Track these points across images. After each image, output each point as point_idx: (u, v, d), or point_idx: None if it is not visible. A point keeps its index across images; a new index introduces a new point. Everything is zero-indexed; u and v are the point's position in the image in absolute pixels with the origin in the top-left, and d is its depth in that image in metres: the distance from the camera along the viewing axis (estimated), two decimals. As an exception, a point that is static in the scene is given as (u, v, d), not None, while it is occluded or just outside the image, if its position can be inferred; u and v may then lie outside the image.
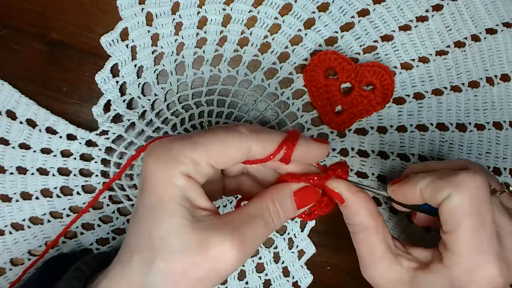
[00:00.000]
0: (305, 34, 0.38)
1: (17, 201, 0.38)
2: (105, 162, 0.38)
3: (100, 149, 0.38)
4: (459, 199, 0.26)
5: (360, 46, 0.38)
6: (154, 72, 0.37)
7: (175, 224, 0.23)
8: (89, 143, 0.38)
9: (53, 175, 0.38)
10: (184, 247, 0.22)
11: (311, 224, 0.39)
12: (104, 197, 0.38)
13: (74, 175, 0.38)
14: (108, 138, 0.37)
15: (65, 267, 0.27)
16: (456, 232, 0.26)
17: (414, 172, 0.31)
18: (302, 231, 0.39)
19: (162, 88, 0.38)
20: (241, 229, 0.24)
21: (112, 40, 0.37)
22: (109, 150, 0.38)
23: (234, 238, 0.23)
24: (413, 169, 0.32)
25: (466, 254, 0.26)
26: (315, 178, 0.28)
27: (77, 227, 0.38)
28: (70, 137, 0.37)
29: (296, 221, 0.39)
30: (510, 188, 0.29)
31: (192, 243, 0.23)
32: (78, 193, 0.38)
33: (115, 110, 0.37)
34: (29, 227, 0.38)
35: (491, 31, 0.38)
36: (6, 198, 0.38)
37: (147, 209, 0.23)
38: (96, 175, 0.38)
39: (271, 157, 0.26)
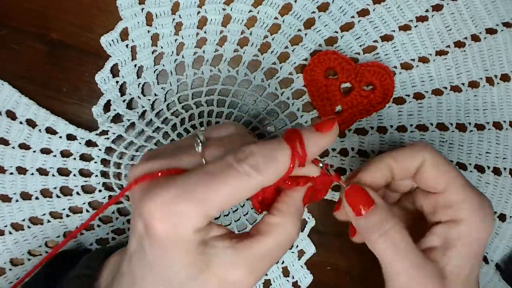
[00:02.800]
0: (305, 34, 0.38)
1: (16, 201, 0.38)
2: (105, 162, 0.38)
3: (100, 149, 0.38)
4: (436, 155, 0.28)
5: (360, 46, 0.38)
6: (154, 72, 0.37)
7: (193, 271, 0.23)
8: (89, 143, 0.37)
9: (53, 175, 0.38)
10: (204, 286, 0.23)
11: (311, 224, 0.39)
12: (104, 198, 0.38)
13: (74, 175, 0.38)
14: (108, 138, 0.37)
15: (67, 264, 0.27)
16: (454, 183, 0.27)
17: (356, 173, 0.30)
18: (302, 231, 0.39)
19: (162, 88, 0.38)
20: (258, 266, 0.23)
21: (112, 40, 0.37)
22: (109, 150, 0.38)
23: (250, 276, 0.23)
24: (353, 173, 0.31)
25: (475, 197, 0.27)
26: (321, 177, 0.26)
27: (76, 228, 0.38)
28: (70, 137, 0.37)
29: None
30: None
31: (211, 283, 0.23)
32: (77, 193, 0.38)
33: (115, 110, 0.37)
34: (29, 227, 0.38)
35: (491, 31, 0.38)
36: (6, 198, 0.38)
37: (161, 259, 0.23)
38: (96, 175, 0.38)
39: (287, 177, 0.24)
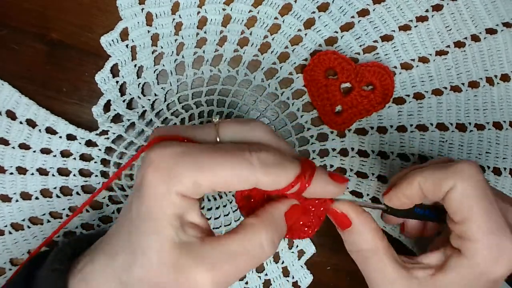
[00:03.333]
0: (305, 34, 0.38)
1: (16, 201, 0.38)
2: (104, 162, 0.38)
3: (100, 149, 0.38)
4: (467, 185, 0.26)
5: (360, 46, 0.38)
6: (154, 72, 0.37)
7: (159, 242, 0.22)
8: (89, 143, 0.37)
9: (53, 175, 0.38)
10: (161, 265, 0.22)
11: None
12: (104, 197, 0.38)
13: (74, 175, 0.38)
14: (108, 138, 0.37)
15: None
16: (471, 218, 0.26)
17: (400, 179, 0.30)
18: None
19: (162, 88, 0.38)
20: (222, 267, 0.22)
21: (112, 40, 0.37)
22: (109, 150, 0.38)
23: (210, 275, 0.22)
24: (397, 177, 0.31)
25: (487, 237, 0.26)
26: (316, 201, 0.26)
27: (76, 227, 0.38)
28: (70, 137, 0.37)
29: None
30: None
31: (168, 265, 0.22)
32: (77, 193, 0.38)
33: (115, 110, 0.37)
34: (28, 227, 0.38)
35: (491, 31, 0.38)
36: (6, 198, 0.38)
37: (139, 216, 0.23)
38: (96, 175, 0.38)
39: (281, 192, 0.24)
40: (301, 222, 0.27)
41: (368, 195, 0.39)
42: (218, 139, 0.24)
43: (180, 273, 0.22)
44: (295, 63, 0.38)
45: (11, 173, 0.37)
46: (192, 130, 0.24)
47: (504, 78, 0.38)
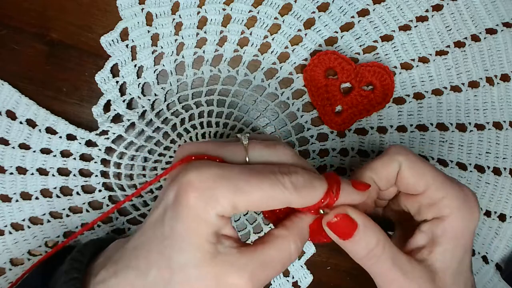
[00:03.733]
0: (305, 34, 0.38)
1: (16, 201, 0.38)
2: (104, 162, 0.38)
3: (100, 149, 0.38)
4: (410, 158, 0.28)
5: (360, 46, 0.38)
6: (154, 72, 0.37)
7: (197, 258, 0.23)
8: (89, 143, 0.37)
9: (53, 175, 0.38)
10: (201, 278, 0.23)
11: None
12: (104, 198, 0.38)
13: (74, 175, 0.38)
14: (108, 138, 0.37)
15: (63, 260, 0.27)
16: (432, 182, 0.28)
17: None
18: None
19: (162, 88, 0.38)
20: (258, 274, 0.24)
21: (112, 40, 0.37)
22: (109, 150, 0.38)
23: (250, 282, 0.23)
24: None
25: (454, 190, 0.28)
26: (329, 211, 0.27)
27: (76, 227, 0.38)
28: (70, 137, 0.37)
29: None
30: None
31: (210, 276, 0.23)
32: (77, 193, 0.38)
33: (115, 110, 0.37)
34: (28, 227, 0.38)
35: (491, 31, 0.38)
36: (6, 198, 0.38)
37: (174, 234, 0.23)
38: (96, 175, 0.38)
39: (310, 210, 0.26)
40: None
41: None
42: (247, 160, 0.25)
43: (222, 281, 0.23)
44: (295, 63, 0.38)
45: (11, 173, 0.37)
46: (221, 149, 0.25)
47: (504, 78, 0.38)
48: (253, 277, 0.24)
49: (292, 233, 0.26)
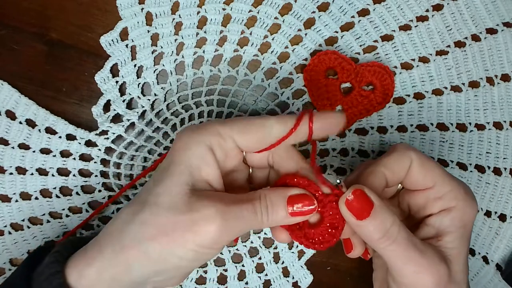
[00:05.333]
0: (305, 34, 0.38)
1: (16, 201, 0.38)
2: (104, 162, 0.38)
3: (99, 149, 0.37)
4: (419, 155, 0.29)
5: (360, 46, 0.38)
6: (154, 72, 0.37)
7: (173, 184, 0.25)
8: (89, 143, 0.37)
9: (53, 175, 0.37)
10: (172, 205, 0.24)
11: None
12: (104, 198, 0.38)
13: (74, 175, 0.38)
14: (107, 138, 0.37)
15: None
16: (440, 177, 0.29)
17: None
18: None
19: (162, 88, 0.38)
20: (229, 204, 0.25)
21: (112, 40, 0.36)
22: (108, 150, 0.38)
23: (220, 207, 0.24)
24: (356, 176, 0.31)
25: (458, 184, 0.29)
26: (320, 192, 0.27)
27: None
28: (70, 137, 0.37)
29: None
30: None
31: (181, 203, 0.24)
32: (77, 193, 0.38)
33: (114, 110, 0.37)
34: (28, 227, 0.38)
35: (491, 31, 0.37)
36: (5, 198, 0.37)
37: (160, 169, 0.26)
38: (96, 175, 0.38)
39: (293, 130, 0.27)
40: (329, 230, 0.28)
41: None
42: None
43: (191, 210, 0.24)
44: (295, 63, 0.38)
45: (11, 173, 0.37)
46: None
47: (505, 78, 0.38)
48: (223, 205, 0.25)
49: (265, 188, 0.27)
